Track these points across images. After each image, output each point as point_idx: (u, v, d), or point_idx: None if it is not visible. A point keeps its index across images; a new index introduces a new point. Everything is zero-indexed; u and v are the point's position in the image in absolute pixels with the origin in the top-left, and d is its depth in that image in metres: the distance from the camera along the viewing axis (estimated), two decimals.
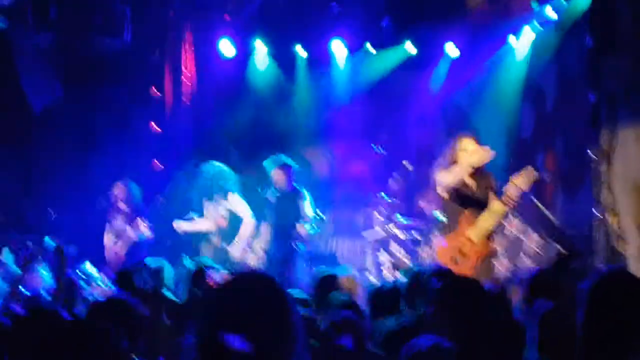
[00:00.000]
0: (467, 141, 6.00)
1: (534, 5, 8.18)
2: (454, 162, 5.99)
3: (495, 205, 5.91)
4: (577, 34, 7.41)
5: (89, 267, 7.54)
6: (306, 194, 7.99)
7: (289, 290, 5.82)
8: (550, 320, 3.05)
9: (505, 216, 6.26)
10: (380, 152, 7.10)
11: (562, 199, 8.76)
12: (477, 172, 6.01)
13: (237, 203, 8.14)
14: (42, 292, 4.93)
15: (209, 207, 8.36)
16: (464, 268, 5.85)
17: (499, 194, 6.02)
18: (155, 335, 3.87)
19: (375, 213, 9.26)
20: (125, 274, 4.07)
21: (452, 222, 6.09)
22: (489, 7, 8.29)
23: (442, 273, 4.08)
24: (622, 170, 6.32)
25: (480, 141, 6.01)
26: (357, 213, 10.32)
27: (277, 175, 7.93)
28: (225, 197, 8.19)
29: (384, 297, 4.26)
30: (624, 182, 6.30)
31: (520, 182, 5.85)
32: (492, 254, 6.01)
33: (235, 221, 8.30)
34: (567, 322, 2.52)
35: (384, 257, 8.80)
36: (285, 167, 7.94)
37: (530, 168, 5.95)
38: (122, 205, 8.24)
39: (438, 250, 6.25)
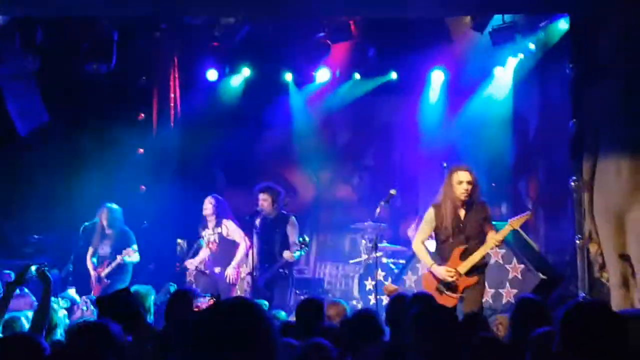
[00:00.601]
0: (462, 174, 6.01)
1: (517, 36, 8.31)
2: (451, 195, 6.01)
3: (489, 241, 5.98)
4: (560, 64, 7.52)
5: (72, 292, 7.52)
6: (293, 219, 8.01)
7: (277, 313, 5.86)
8: (538, 345, 3.09)
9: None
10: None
11: (545, 226, 8.82)
12: (471, 203, 6.03)
13: (233, 229, 8.11)
14: (25, 316, 4.88)
15: (203, 234, 8.35)
16: (448, 299, 5.89)
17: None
18: None
19: (361, 239, 9.28)
20: (108, 299, 4.04)
21: (444, 254, 6.10)
22: (473, 37, 8.40)
23: (421, 299, 4.11)
24: (603, 200, 6.37)
25: (474, 175, 6.01)
26: (343, 238, 10.34)
27: (263, 200, 7.95)
28: (220, 224, 8.17)
29: (363, 322, 4.28)
30: (605, 211, 6.36)
31: (517, 224, 5.98)
32: (477, 285, 6.04)
33: (224, 246, 8.26)
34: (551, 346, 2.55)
35: (370, 283, 8.79)
36: (271, 192, 7.96)
37: (529, 213, 6.14)
38: (107, 231, 8.23)
39: (424, 279, 6.28)
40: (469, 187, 5.94)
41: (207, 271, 8.26)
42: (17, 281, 4.49)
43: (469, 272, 5.96)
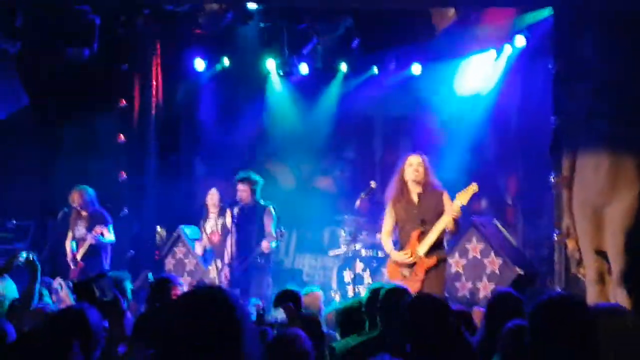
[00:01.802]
0: (412, 157, 6.30)
1: (501, 31, 8.34)
2: (402, 179, 6.28)
3: (442, 219, 6.10)
4: (543, 60, 7.57)
5: (50, 277, 7.45)
6: (271, 209, 7.99)
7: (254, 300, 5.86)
8: (512, 340, 3.11)
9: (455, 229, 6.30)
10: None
11: (523, 221, 8.88)
12: (426, 190, 6.18)
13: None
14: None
15: (205, 226, 8.34)
16: (412, 282, 5.98)
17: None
18: (114, 347, 3.83)
19: (341, 231, 9.30)
20: (85, 284, 4.01)
21: (404, 238, 6.29)
22: (456, 30, 8.41)
23: (398, 290, 4.14)
24: (582, 196, 6.44)
25: (425, 160, 6.28)
26: (322, 230, 10.35)
27: (241, 190, 7.94)
28: (224, 213, 8.14)
29: (351, 315, 4.31)
30: (582, 207, 6.42)
31: (465, 198, 6.05)
32: (439, 265, 6.12)
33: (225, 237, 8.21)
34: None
35: (348, 275, 8.82)
36: (249, 182, 7.95)
37: (474, 184, 6.15)
38: (82, 213, 8.15)
39: (389, 268, 6.43)
40: (420, 168, 6.24)
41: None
42: (5, 268, 4.47)
43: (428, 253, 6.12)
